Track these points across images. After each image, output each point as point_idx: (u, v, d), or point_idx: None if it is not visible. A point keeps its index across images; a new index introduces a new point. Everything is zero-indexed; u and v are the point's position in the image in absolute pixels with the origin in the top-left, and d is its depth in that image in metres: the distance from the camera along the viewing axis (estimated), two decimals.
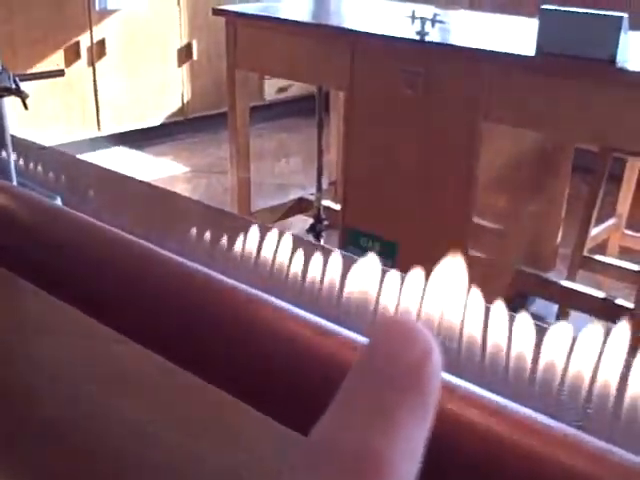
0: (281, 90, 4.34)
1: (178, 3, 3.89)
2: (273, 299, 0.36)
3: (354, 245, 2.39)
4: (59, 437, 0.44)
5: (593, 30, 1.79)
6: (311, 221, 2.66)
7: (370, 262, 0.39)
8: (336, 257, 0.39)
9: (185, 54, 3.96)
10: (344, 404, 0.17)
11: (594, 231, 2.48)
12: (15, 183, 0.58)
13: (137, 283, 0.42)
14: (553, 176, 2.43)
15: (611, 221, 2.58)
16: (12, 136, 0.61)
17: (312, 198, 2.77)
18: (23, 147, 0.69)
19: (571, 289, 2.36)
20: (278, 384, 0.33)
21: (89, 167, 0.81)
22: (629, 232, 2.58)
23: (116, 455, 0.44)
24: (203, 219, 0.67)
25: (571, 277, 2.44)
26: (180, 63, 3.96)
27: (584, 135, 1.98)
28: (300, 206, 2.90)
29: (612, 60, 1.76)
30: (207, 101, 4.01)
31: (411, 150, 2.17)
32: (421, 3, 2.79)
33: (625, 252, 2.59)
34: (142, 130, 3.92)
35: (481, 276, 1.69)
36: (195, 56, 3.97)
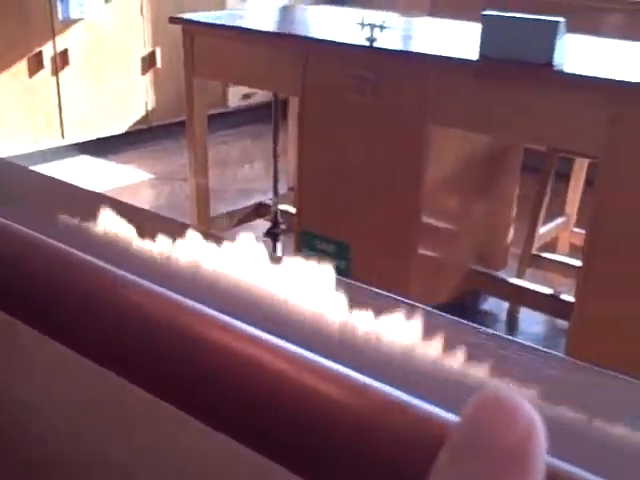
0: (245, 97, 4.39)
1: (141, 12, 3.93)
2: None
3: (309, 248, 2.44)
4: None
5: (531, 35, 1.86)
6: (269, 225, 2.71)
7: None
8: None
9: (148, 62, 4.00)
10: None
11: (544, 229, 2.56)
12: None
13: (83, 301, 0.42)
14: (502, 176, 2.50)
15: (560, 219, 2.66)
16: None
17: (271, 203, 2.82)
18: None
19: (520, 286, 2.44)
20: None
21: (29, 174, 0.81)
22: (578, 230, 2.66)
23: None
24: (152, 228, 0.69)
25: (520, 275, 2.51)
26: (144, 71, 4.00)
27: (526, 136, 2.06)
28: (260, 211, 2.95)
29: (549, 63, 1.84)
30: (171, 109, 4.05)
31: (362, 153, 2.23)
32: (383, 10, 2.87)
33: (575, 250, 2.67)
34: (106, 138, 3.95)
35: (432, 274, 1.80)
36: (159, 64, 4.01)
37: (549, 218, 2.60)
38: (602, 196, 1.84)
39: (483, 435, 0.16)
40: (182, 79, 2.60)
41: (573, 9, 3.23)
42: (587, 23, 2.75)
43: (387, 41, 2.16)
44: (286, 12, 3.03)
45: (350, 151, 2.26)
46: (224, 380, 0.30)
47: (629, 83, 1.73)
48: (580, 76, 1.80)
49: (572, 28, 1.97)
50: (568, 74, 1.81)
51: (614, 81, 1.75)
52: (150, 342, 0.33)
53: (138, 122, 4.04)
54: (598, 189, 1.84)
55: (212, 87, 4.08)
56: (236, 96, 4.32)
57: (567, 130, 1.87)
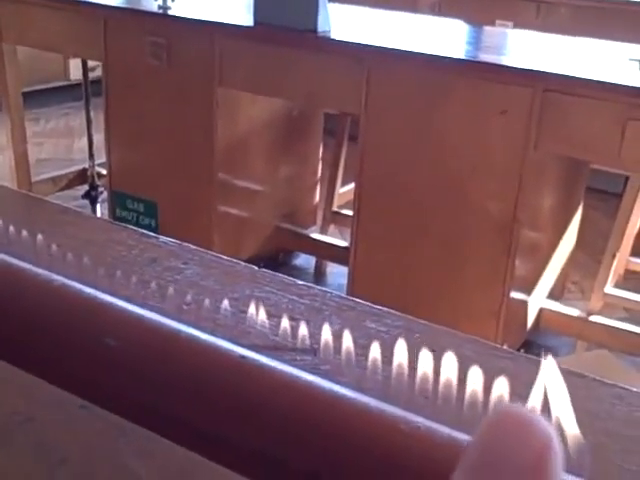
0: (90, 70, 4.41)
1: None
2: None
3: (121, 208, 2.55)
4: None
5: (297, 3, 2.02)
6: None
7: None
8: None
9: None
10: None
11: (345, 189, 2.75)
12: None
13: None
14: (305, 139, 2.68)
15: None
16: None
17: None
18: None
19: (322, 241, 2.63)
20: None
21: None
22: None
23: None
24: None
25: (324, 231, 2.70)
26: None
27: (299, 98, 2.23)
28: (84, 177, 3.02)
29: (314, 30, 2.00)
30: None
31: (162, 116, 2.35)
32: None
33: None
34: None
35: (235, 230, 1.99)
36: None
37: (352, 178, 2.79)
38: (364, 152, 2.03)
39: (499, 452, 0.16)
40: (26, 49, 2.65)
41: None
42: None
43: (179, 9, 2.28)
44: None
45: (151, 114, 2.38)
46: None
47: (380, 48, 1.92)
48: (339, 41, 1.98)
49: None
50: (329, 39, 1.99)
51: (368, 46, 1.94)
52: None
53: None
54: (360, 146, 2.03)
55: (52, 60, 4.09)
56: (78, 69, 4.33)
57: (333, 92, 2.05)
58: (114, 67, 2.40)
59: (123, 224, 0.72)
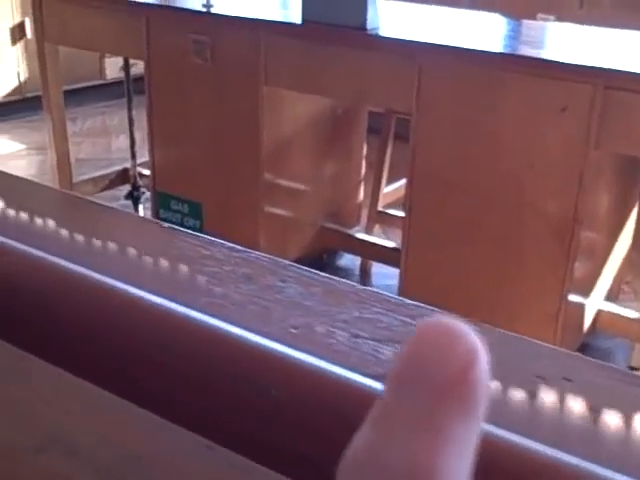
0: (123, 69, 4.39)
1: None
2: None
3: (165, 208, 2.53)
4: None
5: (346, 0, 1.97)
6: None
7: None
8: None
9: (18, 32, 3.97)
10: (385, 417, 0.16)
11: (390, 188, 2.70)
12: None
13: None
14: (349, 138, 2.63)
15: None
16: None
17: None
18: None
19: (368, 242, 2.58)
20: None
21: None
22: None
23: None
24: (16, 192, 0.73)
25: (369, 231, 2.65)
26: (13, 42, 3.97)
27: (348, 96, 2.19)
28: (124, 177, 3.00)
29: (363, 27, 1.96)
30: None
31: (206, 115, 2.32)
32: None
33: None
34: None
35: (281, 231, 1.94)
36: (29, 34, 3.98)
37: (399, 177, 2.74)
38: (415, 150, 1.98)
39: (424, 363, 0.16)
40: None
41: None
42: None
43: (223, 7, 2.24)
44: None
45: (196, 114, 2.35)
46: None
47: (431, 44, 1.87)
48: (390, 38, 1.93)
49: None
50: (380, 37, 1.94)
51: (420, 43, 1.89)
52: None
53: (10, 93, 4.01)
54: (412, 144, 1.98)
55: (88, 58, 4.08)
56: (114, 68, 4.32)
57: (383, 90, 2.00)
58: (156, 66, 2.37)
59: (210, 237, 0.68)
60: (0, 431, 0.49)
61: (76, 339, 0.40)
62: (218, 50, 2.22)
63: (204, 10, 2.22)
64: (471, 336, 0.16)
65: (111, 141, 3.88)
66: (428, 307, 0.58)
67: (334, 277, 0.62)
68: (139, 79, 4.39)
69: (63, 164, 2.78)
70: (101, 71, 4.27)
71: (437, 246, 2.05)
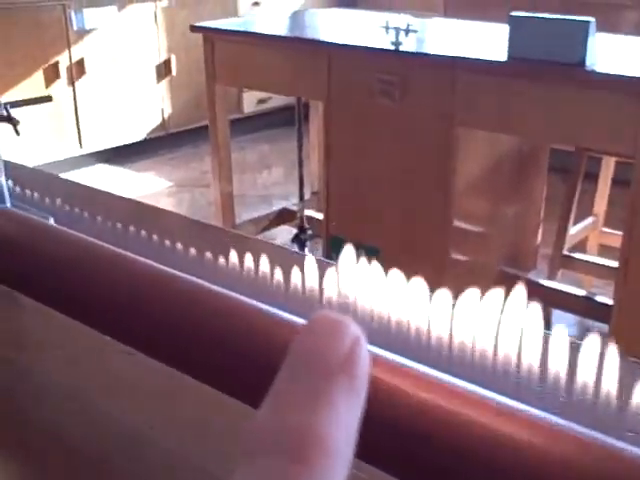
0: (260, 102, 4.38)
1: (155, 20, 3.92)
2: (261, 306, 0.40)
3: (338, 253, 2.42)
4: (59, 438, 0.47)
5: (562, 35, 1.83)
6: (295, 231, 2.70)
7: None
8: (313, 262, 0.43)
9: (164, 70, 3.99)
10: (284, 390, 0.19)
11: (573, 230, 2.53)
12: (9, 205, 0.61)
13: (130, 294, 0.45)
14: (530, 177, 2.48)
15: (589, 220, 2.63)
16: (5, 161, 0.64)
17: (295, 208, 2.80)
18: (13, 170, 0.72)
19: (552, 288, 2.41)
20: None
21: (77, 187, 0.85)
22: (607, 230, 2.63)
23: (118, 457, 0.47)
24: (190, 234, 0.70)
25: (552, 276, 2.48)
26: (159, 79, 3.99)
27: (555, 137, 2.04)
28: (283, 217, 2.93)
29: (582, 63, 1.81)
30: (187, 115, 4.05)
31: (390, 157, 2.21)
32: (395, 12, 2.85)
33: (604, 250, 2.64)
34: (124, 147, 3.94)
35: (465, 277, 1.76)
36: (174, 72, 4.00)
37: (578, 218, 2.57)
38: (637, 197, 1.81)
39: (314, 351, 0.19)
40: (197, 86, 2.61)
41: (588, 7, 3.20)
42: (604, 21, 2.70)
43: (412, 44, 2.14)
44: (300, 17, 3.02)
45: (378, 155, 2.24)
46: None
47: None
48: (613, 75, 1.77)
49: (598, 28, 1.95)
50: (601, 74, 1.79)
51: None
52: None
53: (155, 130, 4.03)
54: (634, 190, 1.82)
55: (227, 93, 4.08)
56: (251, 102, 4.31)
57: (597, 130, 1.84)
58: (337, 106, 2.28)
59: None
60: None
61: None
62: (407, 90, 2.11)
63: (393, 48, 2.12)
64: (353, 326, 0.19)
65: (255, 177, 3.83)
66: None
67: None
68: (273, 113, 4.38)
69: (227, 206, 2.73)
70: (239, 105, 4.25)
71: None
